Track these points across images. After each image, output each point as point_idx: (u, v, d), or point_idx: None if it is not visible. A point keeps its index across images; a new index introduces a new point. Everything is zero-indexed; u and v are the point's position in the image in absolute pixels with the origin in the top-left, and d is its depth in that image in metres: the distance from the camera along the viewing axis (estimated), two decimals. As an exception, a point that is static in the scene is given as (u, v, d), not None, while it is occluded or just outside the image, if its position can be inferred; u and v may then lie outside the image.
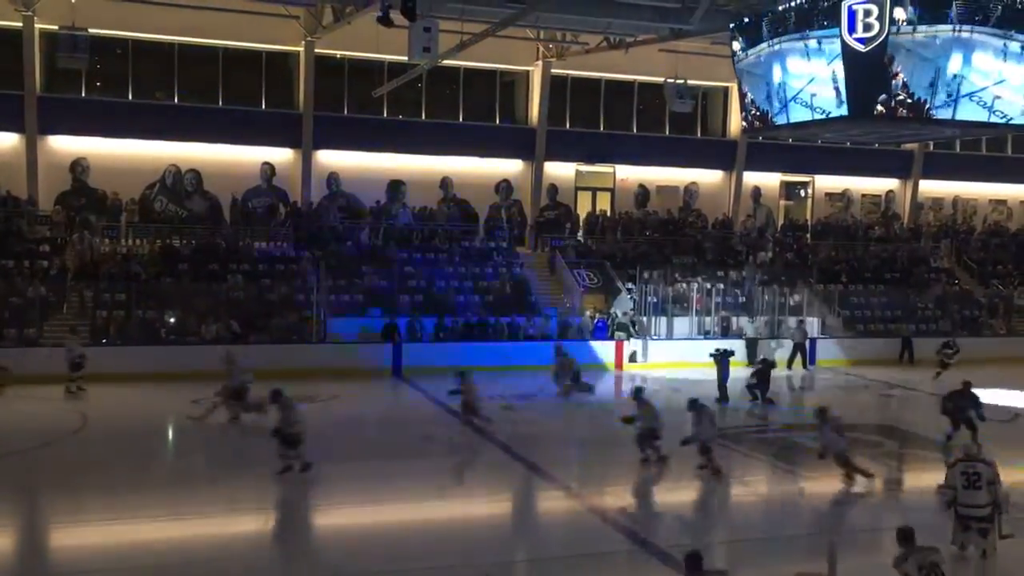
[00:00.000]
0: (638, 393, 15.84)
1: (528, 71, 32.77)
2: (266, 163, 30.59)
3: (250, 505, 13.27)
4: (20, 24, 27.06)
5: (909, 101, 15.74)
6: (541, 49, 31.88)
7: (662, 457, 15.03)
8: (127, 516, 12.60)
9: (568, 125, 33.62)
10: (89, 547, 11.80)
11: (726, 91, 34.51)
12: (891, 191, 38.78)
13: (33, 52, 27.44)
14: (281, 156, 30.78)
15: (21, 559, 11.47)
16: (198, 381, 20.70)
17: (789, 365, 26.45)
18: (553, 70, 32.36)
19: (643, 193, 34.95)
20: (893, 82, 15.58)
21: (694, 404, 15.01)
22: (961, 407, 16.16)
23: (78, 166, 28.81)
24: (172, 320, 24.36)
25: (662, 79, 30.60)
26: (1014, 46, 15.83)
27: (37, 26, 27.25)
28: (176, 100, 29.51)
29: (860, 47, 15.51)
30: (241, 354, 19.15)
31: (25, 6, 26.84)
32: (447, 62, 26.14)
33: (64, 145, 28.70)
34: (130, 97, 29.06)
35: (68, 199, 28.59)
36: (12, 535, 12.38)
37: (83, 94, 28.52)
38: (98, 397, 20.12)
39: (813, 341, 27.90)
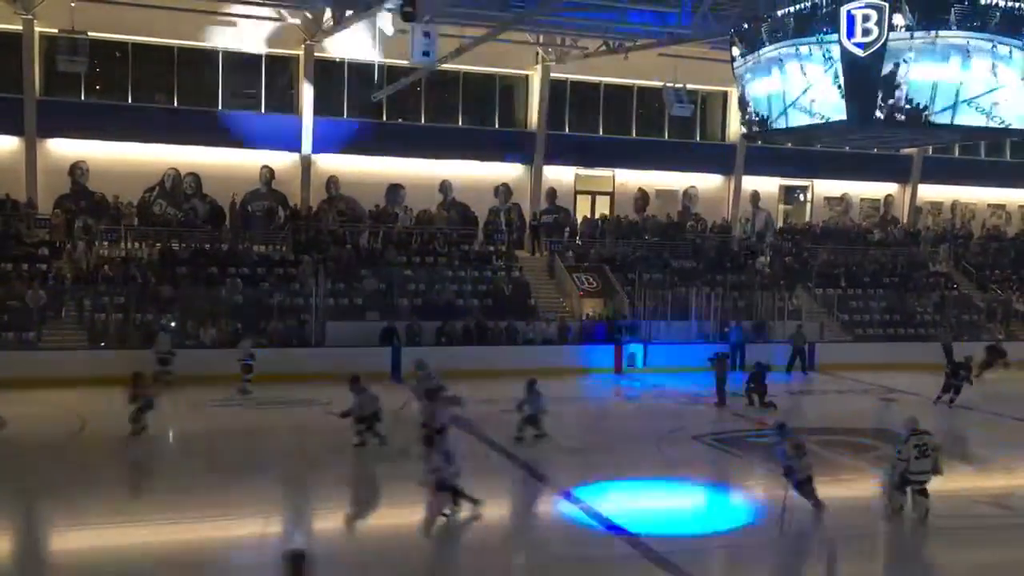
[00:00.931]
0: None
1: (527, 75, 32.79)
2: (265, 167, 30.60)
3: (248, 509, 13.25)
4: (20, 27, 27.06)
5: (908, 106, 15.76)
6: (540, 53, 31.89)
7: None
8: (126, 520, 12.60)
9: (567, 129, 33.64)
10: (87, 550, 11.79)
11: (725, 95, 34.52)
12: (890, 195, 38.80)
13: (33, 55, 27.44)
14: (280, 160, 30.80)
15: (18, 563, 11.46)
16: (196, 385, 20.72)
17: (788, 369, 26.43)
18: (552, 74, 32.39)
19: (642, 197, 34.98)
20: (895, 88, 15.60)
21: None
22: None
23: (77, 169, 28.82)
24: (172, 324, 24.33)
25: (661, 83, 30.64)
26: (1012, 52, 15.85)
27: (37, 29, 27.26)
28: (175, 104, 29.48)
29: (859, 52, 15.53)
30: None
31: (25, 9, 26.84)
32: (446, 66, 26.21)
33: (63, 148, 28.71)
34: (129, 100, 29.05)
35: (67, 202, 28.59)
36: (10, 538, 12.37)
37: (82, 97, 28.50)
38: (95, 400, 20.06)
39: (812, 345, 27.90)
